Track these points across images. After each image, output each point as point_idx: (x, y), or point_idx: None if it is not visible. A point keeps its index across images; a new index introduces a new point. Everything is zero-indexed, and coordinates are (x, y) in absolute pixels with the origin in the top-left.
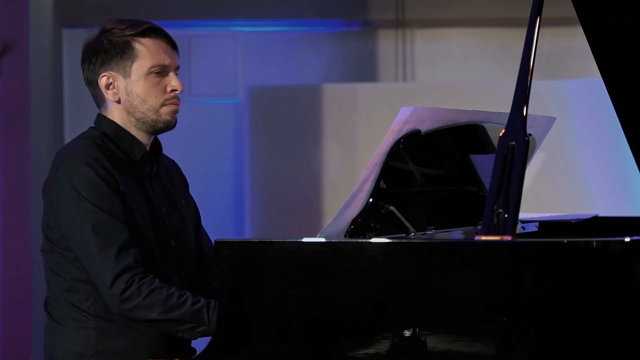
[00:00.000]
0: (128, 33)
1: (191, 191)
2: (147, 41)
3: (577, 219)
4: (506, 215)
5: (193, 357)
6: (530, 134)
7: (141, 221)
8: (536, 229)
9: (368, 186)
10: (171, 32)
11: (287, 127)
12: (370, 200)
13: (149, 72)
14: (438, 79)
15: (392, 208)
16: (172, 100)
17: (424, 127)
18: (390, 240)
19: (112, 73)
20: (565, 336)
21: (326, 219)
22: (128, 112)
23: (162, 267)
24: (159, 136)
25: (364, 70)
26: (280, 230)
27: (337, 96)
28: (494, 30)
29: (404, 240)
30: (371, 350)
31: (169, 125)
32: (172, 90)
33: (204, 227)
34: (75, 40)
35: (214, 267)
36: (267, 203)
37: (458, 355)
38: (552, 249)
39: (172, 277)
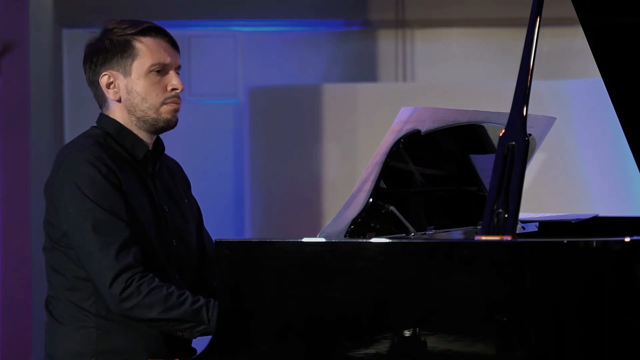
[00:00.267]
0: (129, 32)
1: (191, 191)
2: (147, 40)
3: (577, 219)
4: (506, 215)
5: (193, 357)
6: (530, 134)
7: (143, 220)
8: (536, 229)
9: (368, 186)
10: (171, 32)
11: (287, 127)
12: (370, 200)
13: (149, 71)
14: (438, 79)
15: (392, 208)
16: (173, 99)
17: (424, 127)
18: (390, 240)
19: (113, 72)
20: (565, 336)
21: (326, 219)
22: (129, 111)
23: (163, 267)
24: (160, 136)
25: (364, 70)
26: (280, 230)
27: (337, 96)
28: (494, 30)
29: (404, 240)
30: (371, 350)
31: (170, 124)
32: (173, 89)
33: (205, 227)
34: (75, 40)
35: (214, 267)
36: (267, 203)
37: (458, 355)
38: (552, 249)
39: (173, 276)
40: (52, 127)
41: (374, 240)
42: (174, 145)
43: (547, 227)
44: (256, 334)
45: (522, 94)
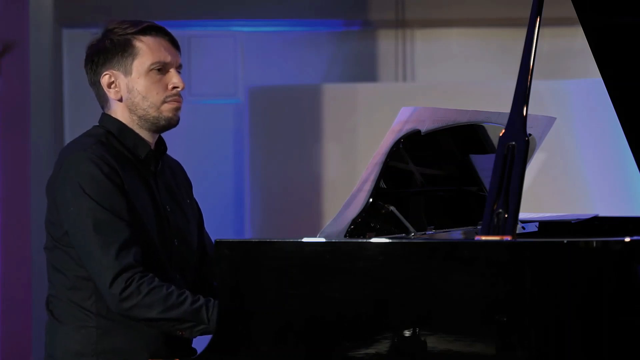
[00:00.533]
0: (129, 31)
1: (192, 192)
2: (147, 39)
3: (577, 219)
4: (506, 215)
5: (193, 357)
6: (530, 134)
7: (145, 219)
8: (536, 229)
9: (368, 186)
10: (171, 32)
11: (287, 127)
12: (370, 200)
13: (150, 69)
14: (438, 79)
15: (392, 208)
16: (174, 98)
17: (424, 127)
18: (390, 240)
19: (114, 71)
20: (565, 336)
21: (326, 219)
22: (130, 110)
23: (164, 266)
24: (160, 136)
25: (364, 70)
26: (280, 230)
27: (337, 96)
28: (494, 30)
29: (404, 240)
30: (371, 350)
31: (171, 123)
32: (174, 88)
33: (205, 228)
34: (75, 40)
35: (214, 268)
36: (267, 203)
37: (458, 355)
38: (552, 249)
39: (174, 276)
40: (52, 127)
41: (374, 240)
42: (174, 145)
43: (547, 227)
44: (256, 334)
45: (522, 94)
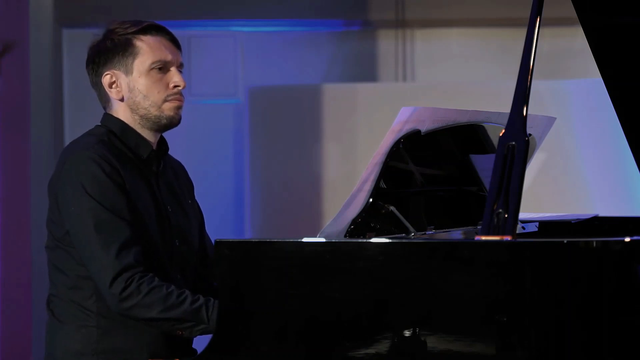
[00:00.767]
0: (130, 31)
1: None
2: (148, 38)
3: (577, 219)
4: (506, 215)
5: (193, 357)
6: (530, 134)
7: (146, 219)
8: (536, 229)
9: (368, 186)
10: (171, 32)
11: (287, 127)
12: (370, 200)
13: (151, 68)
14: (438, 79)
15: (392, 208)
16: (175, 96)
17: (424, 127)
18: (390, 240)
19: (115, 71)
20: (565, 336)
21: (326, 219)
22: (132, 110)
23: (165, 266)
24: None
25: (364, 70)
26: (280, 230)
27: (337, 96)
28: (494, 30)
29: (404, 240)
30: (371, 350)
31: (173, 122)
32: (175, 86)
33: (206, 228)
34: (75, 40)
35: (214, 268)
36: (267, 203)
37: (458, 355)
38: (552, 249)
39: (175, 276)
40: (52, 127)
41: (374, 240)
42: (174, 145)
43: (547, 227)
44: (256, 334)
45: (522, 94)
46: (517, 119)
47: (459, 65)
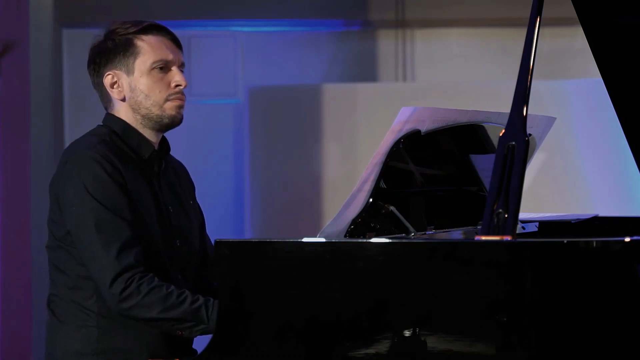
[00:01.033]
0: (130, 31)
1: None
2: (148, 38)
3: (577, 219)
4: (506, 215)
5: (194, 357)
6: (530, 134)
7: (147, 219)
8: (536, 229)
9: (368, 186)
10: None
11: (287, 127)
12: (370, 200)
13: (152, 68)
14: (438, 79)
15: (392, 208)
16: (177, 95)
17: (424, 127)
18: (390, 240)
19: (116, 71)
20: (565, 336)
21: (326, 219)
22: (134, 110)
23: (165, 266)
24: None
25: (364, 70)
26: (280, 230)
27: (337, 96)
28: (494, 30)
29: (404, 240)
30: (371, 350)
31: (175, 121)
32: (176, 86)
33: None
34: (75, 40)
35: (214, 268)
36: (267, 203)
37: (458, 355)
38: (552, 249)
39: (175, 276)
40: (52, 127)
41: (374, 240)
42: (174, 145)
43: (547, 227)
44: (256, 334)
45: (522, 94)
46: (517, 119)
47: (459, 65)
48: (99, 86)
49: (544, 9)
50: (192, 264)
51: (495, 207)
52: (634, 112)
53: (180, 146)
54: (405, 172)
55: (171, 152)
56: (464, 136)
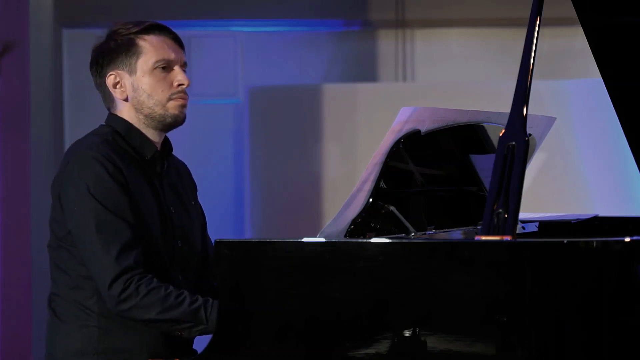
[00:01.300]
0: (132, 31)
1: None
2: (150, 37)
3: (577, 219)
4: (506, 215)
5: (194, 357)
6: (530, 134)
7: (149, 220)
8: (536, 229)
9: (368, 186)
10: None
11: (287, 127)
12: (370, 200)
13: (154, 67)
14: (438, 79)
15: (392, 208)
16: (179, 95)
17: (424, 127)
18: (390, 240)
19: (119, 71)
20: (566, 336)
21: (326, 219)
22: (136, 110)
23: (166, 267)
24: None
25: (364, 70)
26: (280, 230)
27: (337, 96)
28: (494, 30)
29: (404, 240)
30: (371, 350)
31: (178, 120)
32: (179, 85)
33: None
34: (75, 40)
35: (214, 268)
36: (267, 203)
37: (458, 355)
38: (552, 249)
39: (176, 277)
40: (52, 127)
41: (374, 240)
42: (174, 145)
43: (547, 227)
44: (256, 334)
45: (522, 94)
46: (517, 119)
47: (459, 65)
48: (102, 87)
49: (544, 9)
50: (193, 264)
51: (495, 207)
52: (634, 112)
53: (180, 146)
54: (405, 172)
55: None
56: (464, 136)
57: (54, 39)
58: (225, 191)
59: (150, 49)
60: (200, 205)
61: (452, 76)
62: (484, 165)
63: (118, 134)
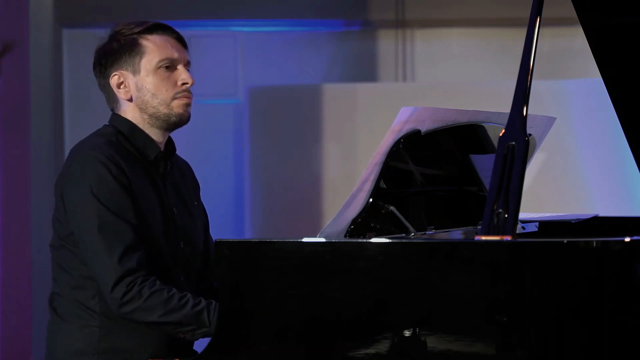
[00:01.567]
0: (135, 31)
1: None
2: (154, 37)
3: (577, 219)
4: (506, 215)
5: (194, 357)
6: (530, 134)
7: (151, 221)
8: (536, 229)
9: (368, 186)
10: None
11: (287, 127)
12: (370, 200)
13: (158, 67)
14: (438, 79)
15: (392, 208)
16: (183, 94)
17: (424, 127)
18: (390, 240)
19: (122, 72)
20: (565, 336)
21: (326, 219)
22: (141, 109)
23: (169, 268)
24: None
25: (364, 70)
26: (280, 230)
27: (337, 96)
28: (494, 30)
29: (404, 240)
30: (371, 350)
31: (182, 119)
32: (183, 84)
33: None
34: (75, 40)
35: (214, 268)
36: (267, 203)
37: (458, 355)
38: (552, 249)
39: (178, 277)
40: (52, 127)
41: (374, 240)
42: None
43: (547, 227)
44: (256, 334)
45: (522, 94)
46: (517, 119)
47: (459, 65)
48: (105, 87)
49: (544, 9)
50: (195, 265)
51: (495, 207)
52: (634, 112)
53: (180, 146)
54: (405, 172)
55: None
56: (464, 136)
57: (54, 39)
58: (225, 191)
59: (154, 49)
60: (202, 205)
61: (452, 76)
62: (484, 165)
63: (122, 135)
